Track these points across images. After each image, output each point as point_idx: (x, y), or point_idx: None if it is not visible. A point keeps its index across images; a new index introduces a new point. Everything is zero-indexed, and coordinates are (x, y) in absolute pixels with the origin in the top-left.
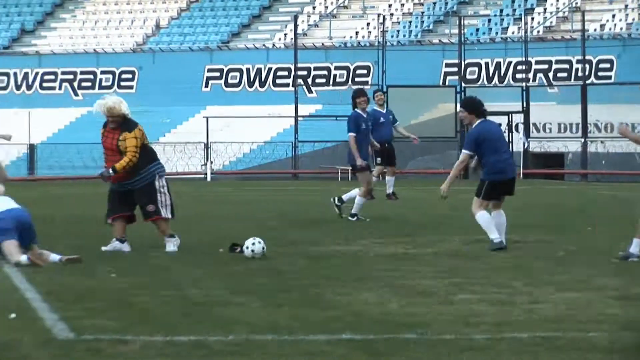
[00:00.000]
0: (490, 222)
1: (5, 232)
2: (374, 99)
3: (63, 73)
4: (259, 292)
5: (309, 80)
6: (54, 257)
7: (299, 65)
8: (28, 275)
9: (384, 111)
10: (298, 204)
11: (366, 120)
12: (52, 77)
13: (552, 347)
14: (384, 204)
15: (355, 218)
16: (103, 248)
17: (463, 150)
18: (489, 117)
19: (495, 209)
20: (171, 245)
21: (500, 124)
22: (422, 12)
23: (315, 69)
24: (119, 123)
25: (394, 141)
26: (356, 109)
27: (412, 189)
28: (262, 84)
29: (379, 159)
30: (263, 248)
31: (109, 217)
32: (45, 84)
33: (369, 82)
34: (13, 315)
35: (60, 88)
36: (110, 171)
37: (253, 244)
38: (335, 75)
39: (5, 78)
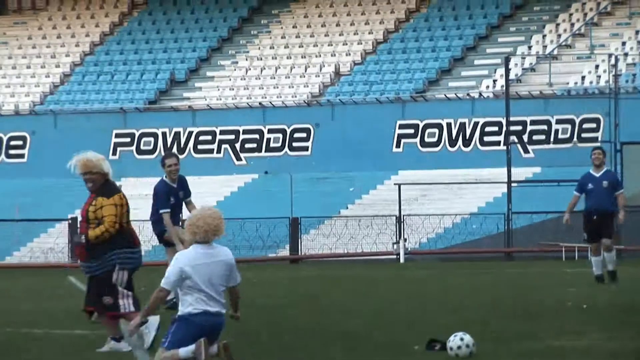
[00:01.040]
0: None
1: None
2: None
3: (222, 132)
4: None
5: (524, 137)
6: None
7: (512, 118)
8: None
9: (598, 174)
10: (514, 289)
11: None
12: (209, 137)
13: None
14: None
15: None
16: (97, 350)
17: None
18: None
19: None
20: (107, 347)
21: None
22: None
23: (532, 122)
24: (97, 185)
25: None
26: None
27: None
28: (466, 143)
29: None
30: (470, 346)
31: (85, 308)
32: (200, 146)
33: (599, 138)
34: None
35: (219, 151)
36: (82, 238)
37: (459, 345)
38: (557, 131)
39: (151, 139)
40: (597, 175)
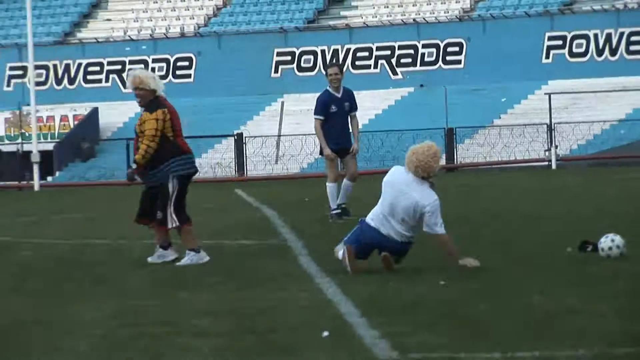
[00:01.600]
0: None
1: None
2: None
3: (378, 49)
4: (614, 300)
5: None
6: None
7: None
8: (343, 286)
9: None
10: None
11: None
12: (366, 53)
13: None
14: None
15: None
16: (149, 259)
17: None
18: None
19: None
20: (187, 259)
21: None
22: None
23: None
24: (146, 102)
25: None
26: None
27: None
28: (612, 52)
29: None
30: (620, 247)
31: (139, 220)
32: (358, 62)
33: None
34: (326, 334)
35: (376, 66)
36: (133, 166)
37: (610, 246)
38: None
39: (311, 57)
40: None
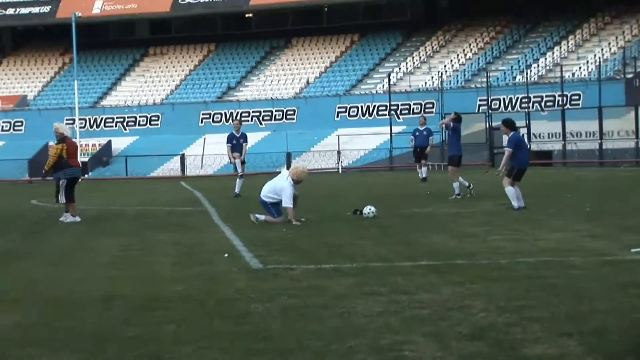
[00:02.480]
0: (514, 193)
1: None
2: None
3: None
4: (370, 237)
5: None
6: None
7: None
8: (236, 231)
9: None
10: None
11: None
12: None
13: (546, 266)
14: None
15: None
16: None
17: (507, 148)
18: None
19: (516, 184)
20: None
21: (523, 134)
22: None
23: None
24: (58, 139)
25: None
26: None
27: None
28: (371, 114)
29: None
30: (373, 212)
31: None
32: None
33: None
34: (226, 255)
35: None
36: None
37: (368, 211)
38: None
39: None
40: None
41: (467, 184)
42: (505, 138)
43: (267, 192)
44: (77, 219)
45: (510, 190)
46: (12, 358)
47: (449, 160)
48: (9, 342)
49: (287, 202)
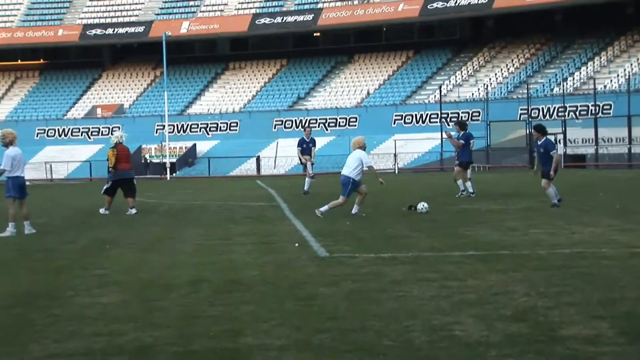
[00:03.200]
0: (553, 193)
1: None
2: None
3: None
4: (423, 230)
5: None
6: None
7: None
8: (305, 224)
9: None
10: None
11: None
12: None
13: (580, 257)
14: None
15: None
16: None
17: (556, 152)
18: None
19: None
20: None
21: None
22: None
23: None
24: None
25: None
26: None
27: (504, 175)
28: (422, 121)
29: None
30: (427, 208)
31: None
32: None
33: None
34: (297, 244)
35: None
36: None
37: (422, 207)
38: None
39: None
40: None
41: (462, 187)
42: (537, 143)
43: (349, 165)
44: (133, 211)
45: (550, 192)
46: (117, 333)
47: (459, 164)
48: (114, 318)
49: (369, 163)
